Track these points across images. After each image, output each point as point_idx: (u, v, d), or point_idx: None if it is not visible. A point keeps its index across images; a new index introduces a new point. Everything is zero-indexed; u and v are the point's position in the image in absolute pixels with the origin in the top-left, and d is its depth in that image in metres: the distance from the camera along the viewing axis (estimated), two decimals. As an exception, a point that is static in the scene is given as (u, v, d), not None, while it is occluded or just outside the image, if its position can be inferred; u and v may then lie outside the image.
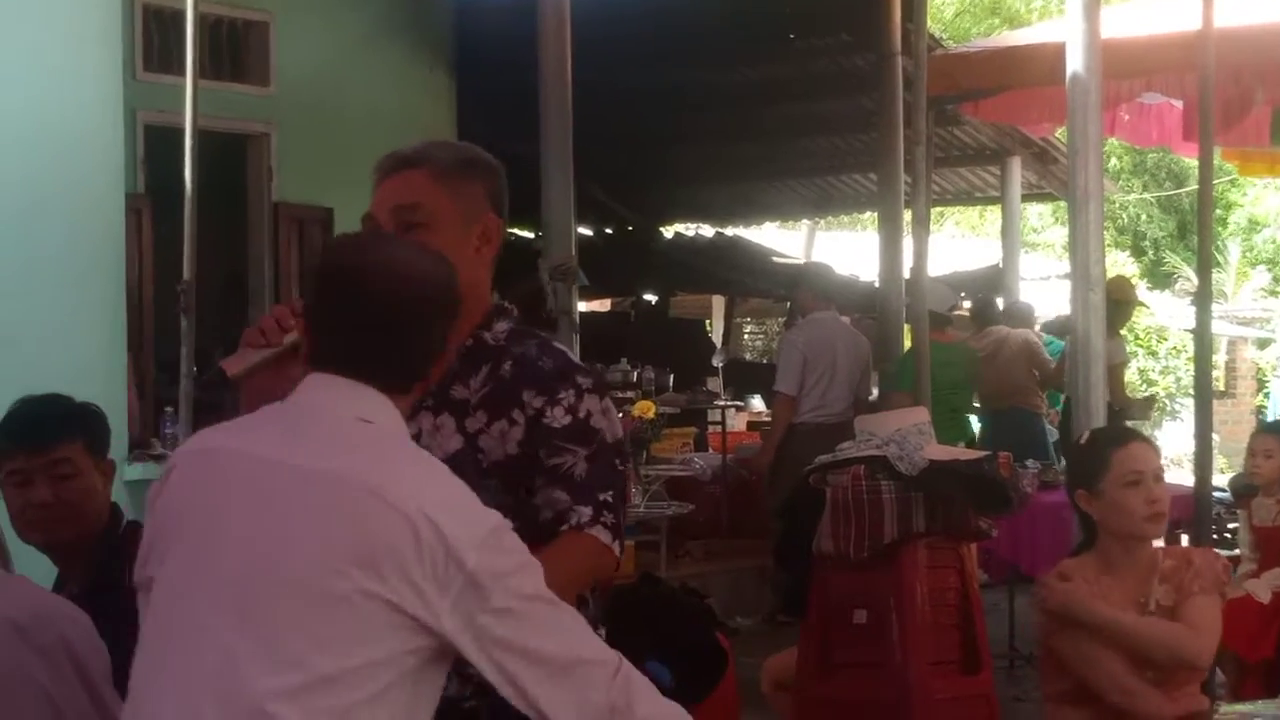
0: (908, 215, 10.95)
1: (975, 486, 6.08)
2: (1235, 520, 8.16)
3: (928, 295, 10.02)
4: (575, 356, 3.11)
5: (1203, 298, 6.92)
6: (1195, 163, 9.83)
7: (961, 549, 6.25)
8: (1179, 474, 12.54)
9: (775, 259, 16.58)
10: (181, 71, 6.88)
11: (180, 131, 6.70)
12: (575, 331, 7.44)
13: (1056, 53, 6.07)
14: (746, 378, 15.58)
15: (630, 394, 11.55)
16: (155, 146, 9.62)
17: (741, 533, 11.23)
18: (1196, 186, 8.25)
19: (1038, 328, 13.22)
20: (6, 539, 3.75)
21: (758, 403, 15.20)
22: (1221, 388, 21.97)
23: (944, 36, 18.06)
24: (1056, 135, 13.94)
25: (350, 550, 2.28)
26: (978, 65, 10.57)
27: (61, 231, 6.50)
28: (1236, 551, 7.54)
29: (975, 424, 11.42)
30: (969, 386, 10.33)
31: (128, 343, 7.44)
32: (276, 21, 10.72)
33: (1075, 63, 5.71)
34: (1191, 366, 12.70)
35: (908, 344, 10.34)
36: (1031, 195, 16.60)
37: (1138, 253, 28.81)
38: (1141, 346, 22.33)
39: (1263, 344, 24.47)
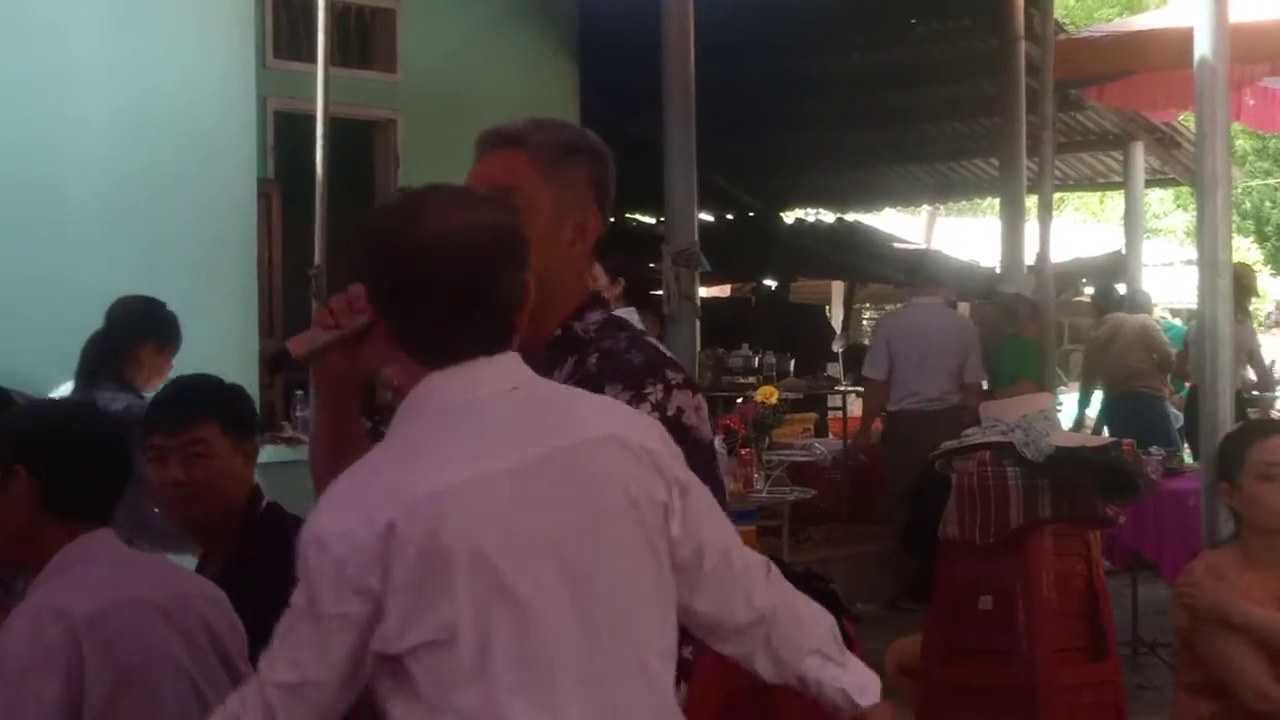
0: (1030, 200, 10.87)
1: (1102, 472, 6.05)
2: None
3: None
4: (668, 351, 2.81)
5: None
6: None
7: (1087, 535, 6.21)
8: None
9: (895, 244, 16.49)
10: (309, 59, 6.99)
11: (307, 117, 6.81)
12: (697, 317, 7.47)
13: (1183, 37, 5.99)
14: (867, 363, 15.51)
15: (752, 379, 11.59)
16: (283, 132, 9.77)
17: (862, 518, 11.22)
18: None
19: (1157, 314, 13.10)
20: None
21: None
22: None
23: (1066, 21, 17.86)
24: (1180, 120, 13.77)
25: (635, 505, 2.33)
26: (1103, 49, 10.47)
27: (195, 217, 6.63)
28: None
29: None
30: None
31: (258, 327, 7.57)
32: (403, 8, 10.85)
33: (1203, 46, 5.63)
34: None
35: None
36: (1154, 180, 16.39)
37: (1261, 238, 28.33)
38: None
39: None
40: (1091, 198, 27.14)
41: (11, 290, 6.32)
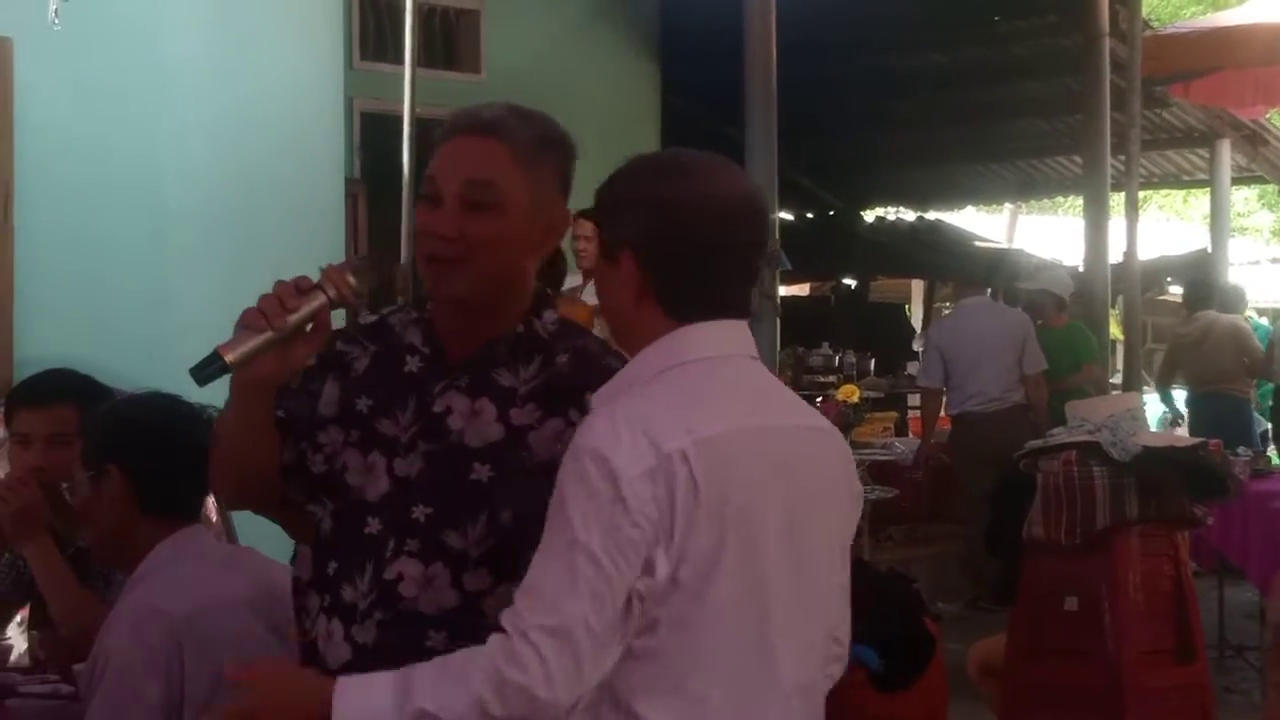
0: (1115, 199, 10.79)
1: (1191, 472, 6.00)
2: None
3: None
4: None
5: None
6: None
7: (1175, 536, 6.16)
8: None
9: (976, 243, 16.41)
10: (395, 60, 7.03)
11: (392, 118, 6.85)
12: (777, 315, 7.46)
13: (1273, 33, 5.94)
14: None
15: (832, 378, 11.57)
16: (368, 133, 9.85)
17: (942, 518, 11.17)
18: None
19: (1248, 311, 12.93)
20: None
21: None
22: None
23: (1152, 18, 17.71)
24: (1268, 117, 13.62)
25: (856, 501, 2.50)
26: (1190, 46, 10.39)
27: (286, 219, 6.68)
28: None
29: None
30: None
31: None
32: (487, 10, 10.91)
33: (1297, 43, 5.58)
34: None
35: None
36: (1241, 179, 16.22)
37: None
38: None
39: None
40: (1176, 196, 26.87)
41: (107, 297, 6.39)
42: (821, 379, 11.77)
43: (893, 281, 18.68)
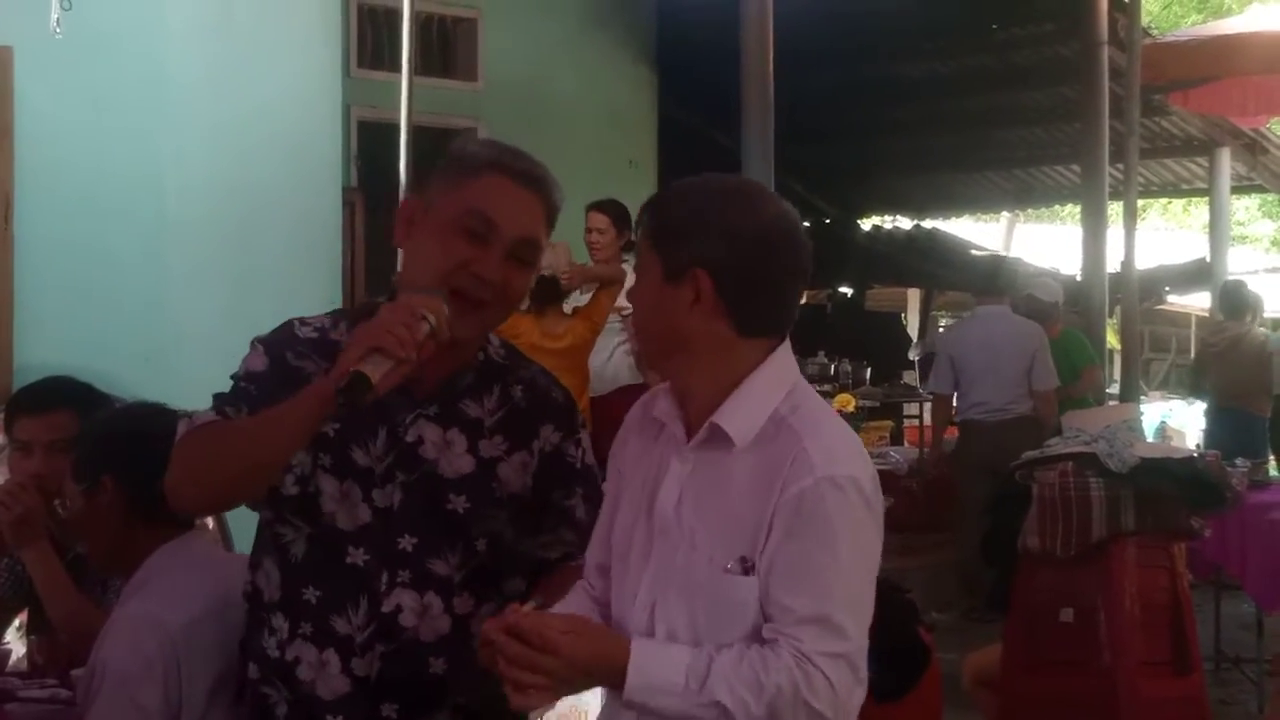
0: (1113, 207, 10.78)
1: (1188, 484, 5.99)
2: None
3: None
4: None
5: None
6: None
7: (1172, 548, 6.15)
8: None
9: (973, 251, 16.41)
10: (391, 68, 7.03)
11: (389, 126, 6.85)
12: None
13: (1273, 41, 5.94)
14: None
15: (828, 386, 11.57)
16: (364, 141, 9.86)
17: (938, 527, 11.15)
18: None
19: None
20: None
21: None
22: None
23: (1151, 26, 17.72)
24: (1269, 126, 13.62)
25: None
26: (1189, 54, 10.38)
27: (284, 228, 6.69)
28: None
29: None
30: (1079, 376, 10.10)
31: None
32: (484, 18, 10.92)
33: (1296, 53, 5.58)
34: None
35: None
36: (1241, 187, 16.21)
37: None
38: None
39: None
40: (1175, 205, 26.89)
41: (105, 306, 6.39)
42: (817, 388, 11.69)
43: (889, 290, 18.67)
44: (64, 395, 3.87)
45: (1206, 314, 15.10)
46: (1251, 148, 14.42)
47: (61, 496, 3.25)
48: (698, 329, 2.39)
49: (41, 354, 6.09)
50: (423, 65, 9.75)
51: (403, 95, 6.81)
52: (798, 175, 14.99)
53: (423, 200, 2.71)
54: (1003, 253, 17.55)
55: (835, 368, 12.31)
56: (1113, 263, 10.73)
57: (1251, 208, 26.88)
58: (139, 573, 3.08)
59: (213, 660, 2.92)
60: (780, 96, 7.51)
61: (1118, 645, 5.93)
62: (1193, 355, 16.34)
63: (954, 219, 19.55)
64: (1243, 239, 25.32)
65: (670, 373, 2.46)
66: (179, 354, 6.23)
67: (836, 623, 2.25)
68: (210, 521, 4.03)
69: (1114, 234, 10.66)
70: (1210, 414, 11.57)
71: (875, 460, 9.58)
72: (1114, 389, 11.70)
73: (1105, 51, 10.64)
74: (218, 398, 2.66)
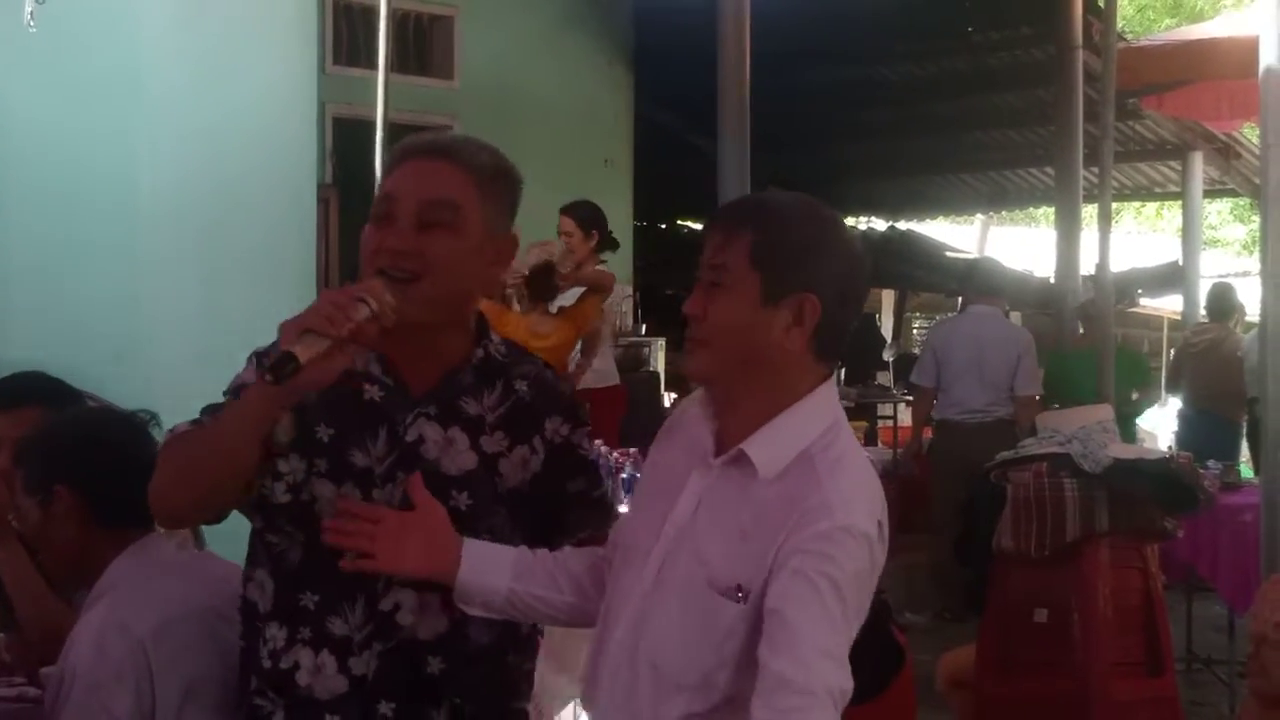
0: (1088, 210, 10.80)
1: (1162, 485, 6.00)
2: None
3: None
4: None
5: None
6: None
7: (1145, 549, 6.17)
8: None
9: (947, 254, 16.45)
10: (367, 65, 7.00)
11: (364, 123, 6.82)
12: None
13: (1246, 46, 5.95)
14: (917, 372, 15.47)
15: (803, 387, 11.55)
16: (339, 138, 9.84)
17: (912, 528, 11.15)
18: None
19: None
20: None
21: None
22: None
23: (1125, 30, 17.78)
24: (1241, 131, 13.66)
25: None
26: (1163, 58, 10.41)
27: (258, 225, 6.63)
28: None
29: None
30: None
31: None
32: (461, 16, 10.90)
33: (1269, 55, 5.59)
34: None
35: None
36: (1213, 191, 16.25)
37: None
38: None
39: None
40: (1149, 209, 26.99)
41: (78, 300, 6.35)
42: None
43: (864, 291, 18.71)
44: (34, 391, 3.83)
45: (1179, 316, 15.13)
46: (1224, 152, 14.46)
47: (14, 513, 3.21)
48: (784, 351, 2.37)
49: (12, 348, 6.04)
50: (399, 62, 9.74)
51: (379, 92, 6.79)
52: (774, 177, 14.96)
53: None
54: (982, 255, 17.59)
55: (809, 369, 12.29)
56: (1087, 265, 10.75)
57: (1224, 211, 26.98)
58: (103, 579, 3.04)
59: (185, 664, 2.89)
60: (757, 98, 7.50)
61: (1091, 646, 5.95)
62: (1164, 357, 16.38)
63: (929, 221, 19.58)
64: (1215, 242, 25.41)
65: (726, 387, 2.42)
66: (151, 350, 6.17)
67: (838, 658, 2.22)
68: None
69: (1088, 237, 10.68)
70: (1182, 416, 11.58)
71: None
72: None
73: (1080, 55, 10.67)
74: (203, 410, 2.66)
